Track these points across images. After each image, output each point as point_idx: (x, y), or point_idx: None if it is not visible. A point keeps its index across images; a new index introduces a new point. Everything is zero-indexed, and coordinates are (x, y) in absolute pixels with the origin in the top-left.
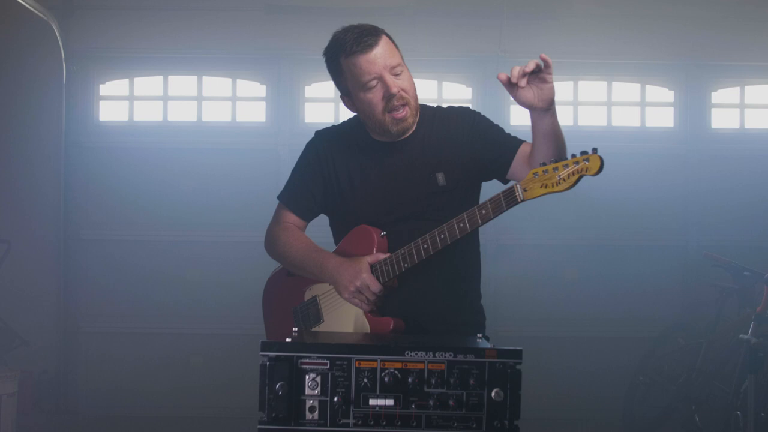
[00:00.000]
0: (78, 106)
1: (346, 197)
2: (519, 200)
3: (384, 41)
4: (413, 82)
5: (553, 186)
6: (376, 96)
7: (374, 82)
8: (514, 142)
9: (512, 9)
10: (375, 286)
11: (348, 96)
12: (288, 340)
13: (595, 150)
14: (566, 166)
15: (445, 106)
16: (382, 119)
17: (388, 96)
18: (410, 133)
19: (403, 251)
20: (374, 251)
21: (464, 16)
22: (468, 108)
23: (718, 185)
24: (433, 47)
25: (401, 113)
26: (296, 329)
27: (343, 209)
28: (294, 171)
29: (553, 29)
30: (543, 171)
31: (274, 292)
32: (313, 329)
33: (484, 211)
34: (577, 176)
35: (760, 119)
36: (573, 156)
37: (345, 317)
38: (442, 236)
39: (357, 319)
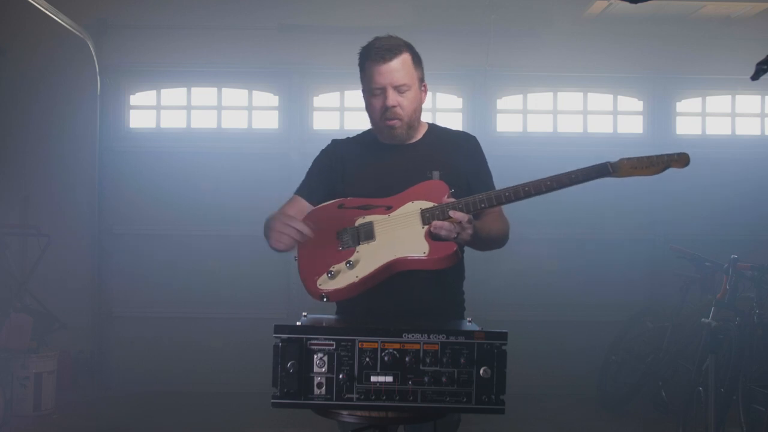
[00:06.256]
0: (111, 114)
1: (343, 185)
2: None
3: (401, 60)
4: (418, 101)
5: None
6: (377, 103)
7: (378, 92)
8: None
9: (498, 27)
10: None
11: (363, 92)
12: (298, 323)
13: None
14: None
15: (454, 129)
16: (378, 123)
17: (385, 107)
18: (415, 140)
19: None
20: (445, 198)
21: (455, 34)
22: (474, 137)
23: (682, 185)
24: (427, 62)
25: (392, 122)
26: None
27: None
28: (308, 170)
29: (535, 46)
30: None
31: (318, 217)
32: (362, 244)
33: (573, 176)
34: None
35: (720, 126)
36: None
37: (401, 237)
38: (527, 189)
39: (415, 240)
